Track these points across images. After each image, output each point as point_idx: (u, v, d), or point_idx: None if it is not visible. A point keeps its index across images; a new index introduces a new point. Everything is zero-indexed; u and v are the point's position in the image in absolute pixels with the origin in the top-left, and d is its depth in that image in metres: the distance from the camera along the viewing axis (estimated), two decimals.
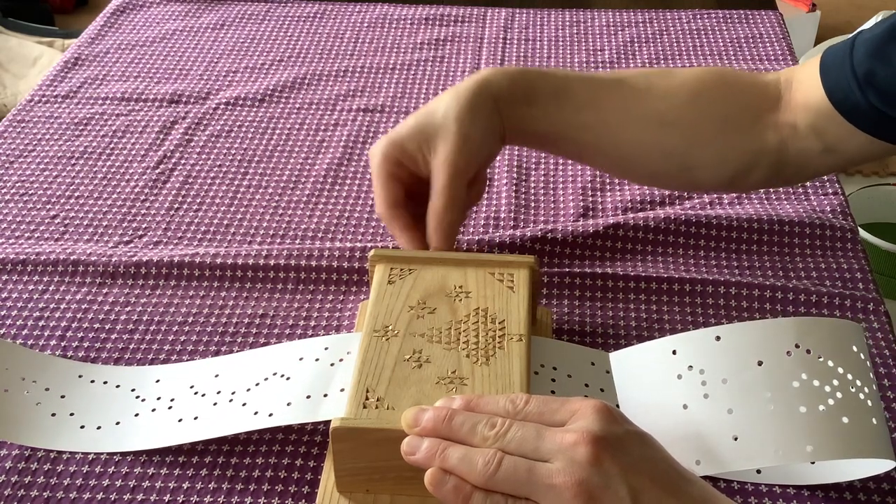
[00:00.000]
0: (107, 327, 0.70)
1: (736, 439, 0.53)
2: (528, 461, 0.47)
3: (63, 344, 0.69)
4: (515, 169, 0.88)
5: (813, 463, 0.59)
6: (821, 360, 0.54)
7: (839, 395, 0.54)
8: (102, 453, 0.60)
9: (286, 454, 0.60)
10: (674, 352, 0.56)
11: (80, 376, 0.65)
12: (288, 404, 0.59)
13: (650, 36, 1.11)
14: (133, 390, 0.64)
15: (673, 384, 0.55)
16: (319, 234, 0.80)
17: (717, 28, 1.13)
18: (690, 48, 1.09)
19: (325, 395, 0.59)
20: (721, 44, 1.09)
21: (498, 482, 0.47)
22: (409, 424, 0.51)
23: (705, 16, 1.15)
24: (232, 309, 0.72)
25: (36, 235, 0.80)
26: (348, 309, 0.72)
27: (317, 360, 0.62)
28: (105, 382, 0.65)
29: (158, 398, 0.64)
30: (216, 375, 0.64)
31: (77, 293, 0.73)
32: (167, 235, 0.80)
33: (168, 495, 0.58)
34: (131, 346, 0.69)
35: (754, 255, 0.77)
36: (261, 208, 0.84)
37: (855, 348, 0.56)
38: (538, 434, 0.48)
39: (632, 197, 0.84)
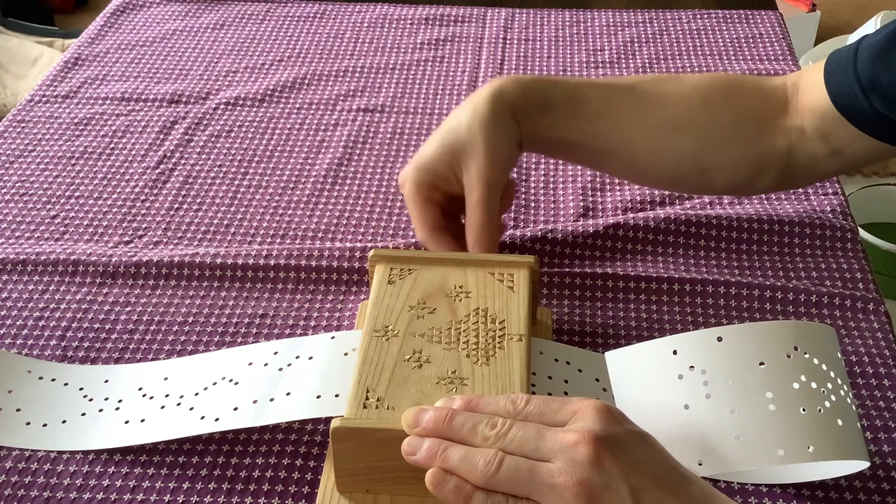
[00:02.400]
0: (107, 327, 0.70)
1: (739, 440, 0.53)
2: (529, 461, 0.47)
3: (63, 344, 0.69)
4: (515, 169, 0.88)
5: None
6: (815, 362, 0.55)
7: (833, 397, 0.55)
8: (103, 453, 0.60)
9: (286, 454, 0.60)
10: (674, 352, 0.56)
11: (28, 371, 0.65)
12: (235, 409, 0.60)
13: (650, 36, 1.11)
14: (81, 389, 0.64)
15: (674, 384, 0.55)
16: (319, 234, 0.80)
17: (717, 28, 1.13)
18: (690, 48, 1.09)
19: (272, 400, 0.60)
20: (721, 44, 1.09)
21: (499, 482, 0.47)
22: (410, 424, 0.51)
23: (705, 16, 1.15)
24: (232, 309, 0.72)
25: (36, 235, 0.80)
26: (348, 309, 0.72)
27: (266, 364, 0.63)
28: (53, 380, 0.65)
29: (106, 398, 0.64)
30: (165, 378, 0.64)
31: (77, 293, 0.73)
32: (167, 235, 0.80)
33: (168, 495, 0.58)
34: (131, 346, 0.69)
35: (754, 255, 0.77)
36: (261, 208, 0.84)
37: (838, 353, 0.57)
38: (539, 434, 0.48)
39: (632, 197, 0.84)
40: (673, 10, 1.16)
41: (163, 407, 0.62)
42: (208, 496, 0.58)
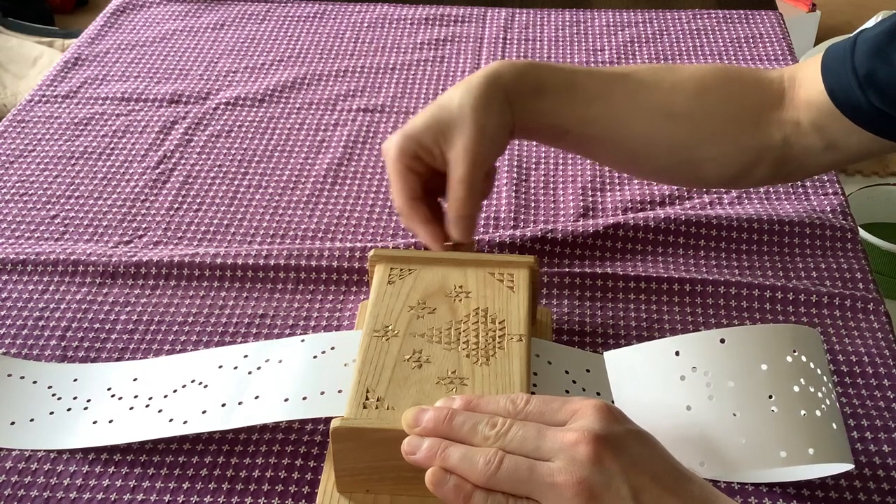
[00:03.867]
0: (107, 327, 0.70)
1: (741, 441, 0.53)
2: (529, 460, 0.47)
3: (63, 344, 0.69)
4: (515, 169, 0.88)
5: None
6: (812, 366, 0.55)
7: (828, 401, 0.56)
8: (103, 452, 0.60)
9: (286, 454, 0.60)
10: (677, 353, 0.56)
11: None
12: (203, 412, 0.60)
13: (650, 36, 1.11)
14: (50, 388, 0.64)
15: (676, 385, 0.55)
16: (319, 234, 0.80)
17: (717, 28, 1.13)
18: (690, 48, 1.09)
19: (241, 403, 0.60)
20: (721, 44, 1.09)
21: (499, 481, 0.47)
22: (410, 424, 0.51)
23: (705, 16, 1.15)
24: (232, 309, 0.72)
25: (36, 235, 0.80)
26: (348, 309, 0.72)
27: (235, 367, 0.63)
28: (22, 377, 0.65)
29: (75, 398, 0.64)
30: (135, 379, 0.65)
31: (77, 293, 0.73)
32: (167, 235, 0.80)
33: (168, 495, 0.58)
34: (131, 346, 0.69)
35: (754, 255, 0.77)
36: (261, 208, 0.84)
37: (826, 357, 0.58)
38: (539, 433, 0.48)
39: (632, 197, 0.84)
40: (673, 10, 1.17)
41: (131, 408, 0.62)
42: (208, 496, 0.58)
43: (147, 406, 0.62)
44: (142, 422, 0.61)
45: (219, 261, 0.75)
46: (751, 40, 1.10)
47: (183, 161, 0.89)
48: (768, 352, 0.55)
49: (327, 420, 0.56)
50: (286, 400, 0.59)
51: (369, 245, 0.77)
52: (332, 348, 0.63)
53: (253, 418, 0.59)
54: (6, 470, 0.59)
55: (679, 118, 0.69)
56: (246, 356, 0.64)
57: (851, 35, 0.66)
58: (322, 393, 0.59)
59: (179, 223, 0.82)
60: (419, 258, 0.64)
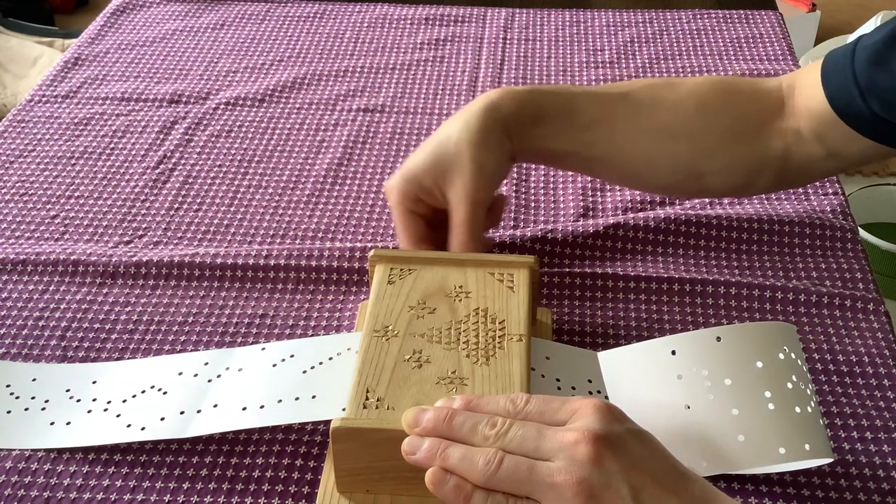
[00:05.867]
0: (107, 327, 0.70)
1: (742, 439, 0.54)
2: (529, 460, 0.47)
3: (63, 344, 0.69)
4: (515, 169, 0.88)
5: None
6: (799, 363, 0.56)
7: (815, 398, 0.57)
8: (103, 452, 0.60)
9: (286, 454, 0.60)
10: (673, 352, 0.56)
11: None
12: (161, 419, 0.60)
13: (650, 36, 1.11)
14: (8, 386, 0.64)
15: (674, 384, 0.55)
16: (319, 234, 0.80)
17: (717, 28, 1.13)
18: (690, 48, 1.09)
19: (199, 412, 0.60)
20: (721, 44, 1.09)
21: (499, 481, 0.47)
22: (410, 424, 0.51)
23: (705, 16, 1.15)
24: (232, 309, 0.72)
25: (36, 235, 0.80)
26: (348, 309, 0.72)
27: (195, 375, 0.63)
28: None
29: (33, 398, 0.63)
30: (94, 382, 0.64)
31: (77, 293, 0.73)
32: (167, 235, 0.80)
33: (168, 495, 0.58)
34: (131, 346, 0.69)
35: (754, 255, 0.77)
36: (261, 208, 0.84)
37: (803, 354, 0.59)
38: (539, 433, 0.48)
39: (632, 197, 0.84)
40: (673, 10, 1.17)
41: (89, 411, 0.62)
42: (208, 496, 0.58)
43: (105, 410, 0.62)
44: (99, 426, 0.61)
45: (219, 261, 0.75)
46: (751, 40, 1.10)
47: (183, 161, 0.89)
48: (762, 350, 0.55)
49: (327, 420, 0.56)
50: (244, 409, 0.59)
51: (369, 245, 0.77)
52: (292, 356, 0.63)
53: (211, 427, 0.59)
54: (6, 470, 0.59)
55: (681, 136, 0.69)
56: (206, 363, 0.64)
57: (850, 42, 0.66)
58: (279, 401, 0.59)
59: (179, 223, 0.82)
60: (419, 258, 0.64)
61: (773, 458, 0.53)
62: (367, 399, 0.54)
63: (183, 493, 0.58)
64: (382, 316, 0.60)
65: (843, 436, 0.62)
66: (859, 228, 0.95)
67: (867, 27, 2.05)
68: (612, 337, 0.69)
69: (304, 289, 0.74)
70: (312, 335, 0.70)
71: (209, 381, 0.62)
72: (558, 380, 0.61)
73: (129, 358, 0.67)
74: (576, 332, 0.70)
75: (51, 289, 0.74)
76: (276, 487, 0.58)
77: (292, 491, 0.58)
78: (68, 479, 0.59)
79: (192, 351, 0.68)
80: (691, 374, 0.55)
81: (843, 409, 0.64)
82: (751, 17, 1.15)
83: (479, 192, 0.65)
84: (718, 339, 0.55)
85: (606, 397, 0.58)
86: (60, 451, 0.60)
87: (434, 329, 0.59)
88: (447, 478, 0.49)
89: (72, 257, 0.75)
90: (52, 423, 0.61)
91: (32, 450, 0.60)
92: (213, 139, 0.93)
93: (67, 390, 0.64)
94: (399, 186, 0.68)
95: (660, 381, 0.56)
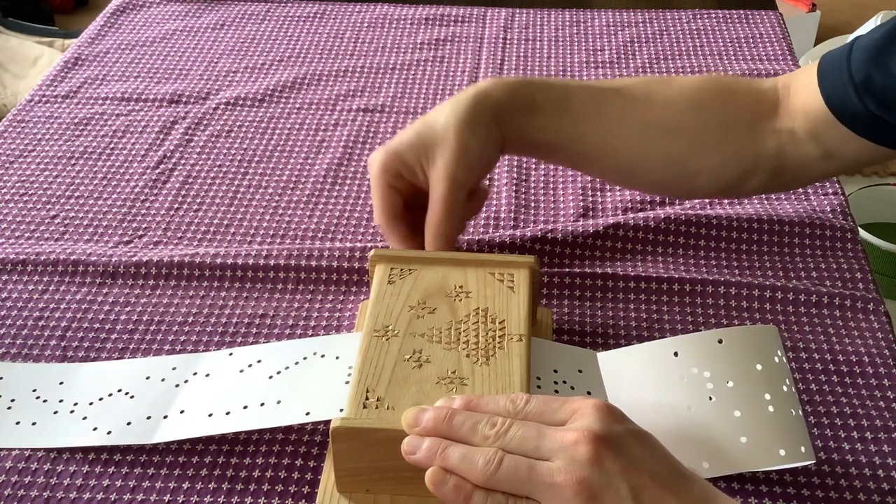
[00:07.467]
0: (107, 327, 0.70)
1: (744, 441, 0.54)
2: (529, 460, 0.47)
3: (63, 344, 0.69)
4: (515, 169, 0.88)
5: None
6: (789, 366, 0.57)
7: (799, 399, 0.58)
8: (103, 452, 0.60)
9: (286, 454, 0.60)
10: (675, 353, 0.56)
11: None
12: (128, 423, 0.60)
13: (650, 36, 1.11)
14: None
15: (676, 386, 0.55)
16: (319, 234, 0.80)
17: (717, 28, 1.13)
18: (690, 48, 1.09)
19: (165, 417, 0.60)
20: (721, 44, 1.09)
21: (499, 481, 0.47)
22: (410, 424, 0.51)
23: (705, 16, 1.15)
24: (232, 309, 0.72)
25: (36, 235, 0.80)
26: (348, 309, 0.72)
27: (163, 380, 0.63)
28: None
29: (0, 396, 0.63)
30: (61, 383, 0.64)
31: (77, 293, 0.73)
32: (167, 235, 0.80)
33: (168, 495, 0.58)
34: (131, 346, 0.69)
35: (754, 255, 0.77)
36: (261, 208, 0.84)
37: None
38: (539, 433, 0.48)
39: (632, 197, 0.84)
40: (673, 10, 1.17)
41: (56, 412, 0.62)
42: (208, 496, 0.58)
43: (72, 412, 0.62)
44: (65, 427, 0.61)
45: (219, 261, 0.75)
46: (751, 40, 1.10)
47: (183, 161, 0.89)
48: (761, 352, 0.56)
49: (327, 420, 0.56)
50: (210, 415, 0.59)
51: (369, 245, 0.77)
52: (259, 361, 0.63)
53: (177, 433, 0.59)
54: (6, 470, 0.59)
55: (674, 133, 0.69)
56: (174, 368, 0.64)
57: (847, 42, 0.66)
58: (245, 407, 0.59)
59: (179, 223, 0.82)
60: (419, 258, 0.64)
61: (775, 459, 0.53)
62: (367, 399, 0.54)
63: (183, 493, 0.58)
64: (382, 316, 0.60)
65: (843, 436, 0.62)
66: (859, 228, 0.95)
67: (867, 27, 2.05)
68: (612, 337, 0.69)
69: (304, 289, 0.74)
70: (312, 335, 0.70)
71: (176, 385, 0.62)
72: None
73: (129, 357, 0.67)
74: (576, 332, 0.70)
75: (51, 289, 0.74)
76: (276, 487, 0.58)
77: (292, 491, 0.58)
78: (68, 479, 0.59)
79: (191, 351, 0.68)
80: (693, 376, 0.55)
81: (843, 409, 0.64)
82: (751, 17, 1.15)
83: (459, 172, 0.65)
84: (720, 341, 0.55)
85: (606, 398, 0.58)
86: (60, 451, 0.60)
87: (434, 329, 0.59)
88: (447, 478, 0.49)
89: (72, 257, 0.75)
90: (17, 423, 0.61)
91: (32, 449, 0.60)
92: (213, 139, 0.93)
93: (34, 390, 0.64)
94: (382, 159, 0.67)
95: (662, 381, 0.56)
